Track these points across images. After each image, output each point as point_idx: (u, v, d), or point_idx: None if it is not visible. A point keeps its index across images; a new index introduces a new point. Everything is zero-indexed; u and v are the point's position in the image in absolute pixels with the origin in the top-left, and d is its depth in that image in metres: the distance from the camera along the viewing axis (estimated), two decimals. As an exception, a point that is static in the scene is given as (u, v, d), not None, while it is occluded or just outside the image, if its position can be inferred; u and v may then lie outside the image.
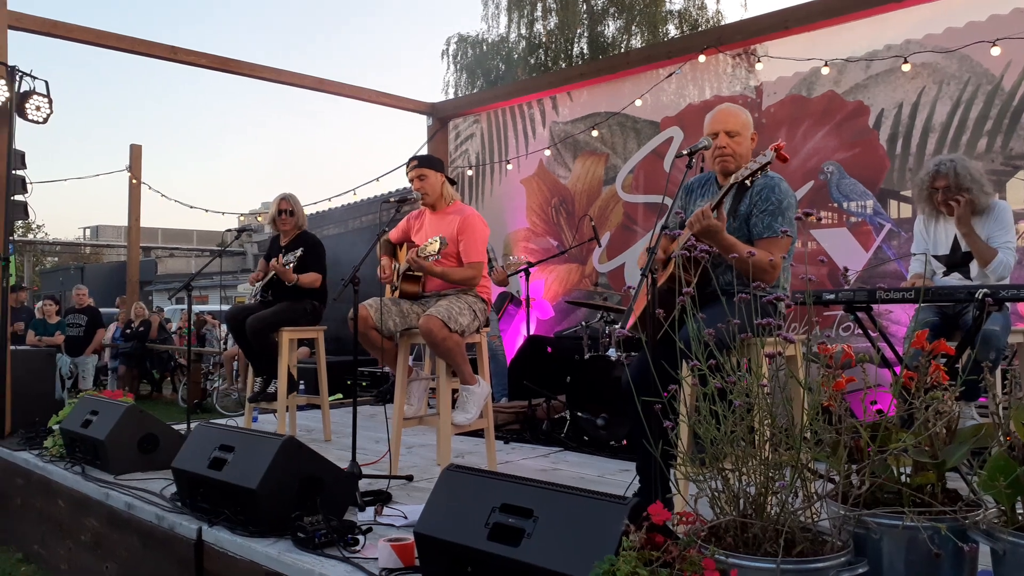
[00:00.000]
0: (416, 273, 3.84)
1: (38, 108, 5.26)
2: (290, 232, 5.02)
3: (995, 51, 4.61)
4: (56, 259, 36.88)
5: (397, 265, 4.05)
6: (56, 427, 4.18)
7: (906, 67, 4.97)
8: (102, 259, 34.71)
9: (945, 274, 3.76)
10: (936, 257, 3.79)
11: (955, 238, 3.74)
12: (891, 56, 5.06)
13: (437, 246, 3.60)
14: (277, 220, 5.03)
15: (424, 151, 7.84)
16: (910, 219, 4.94)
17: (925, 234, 3.88)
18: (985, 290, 2.81)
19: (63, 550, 3.79)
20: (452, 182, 4.02)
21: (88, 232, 40.00)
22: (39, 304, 10.40)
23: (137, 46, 6.09)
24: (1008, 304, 3.36)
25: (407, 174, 3.97)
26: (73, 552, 3.71)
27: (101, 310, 10.41)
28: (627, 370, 2.70)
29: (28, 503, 4.18)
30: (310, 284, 4.80)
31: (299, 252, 4.65)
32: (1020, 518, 1.73)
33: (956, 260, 3.74)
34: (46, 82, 5.34)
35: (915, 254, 3.94)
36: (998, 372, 3.35)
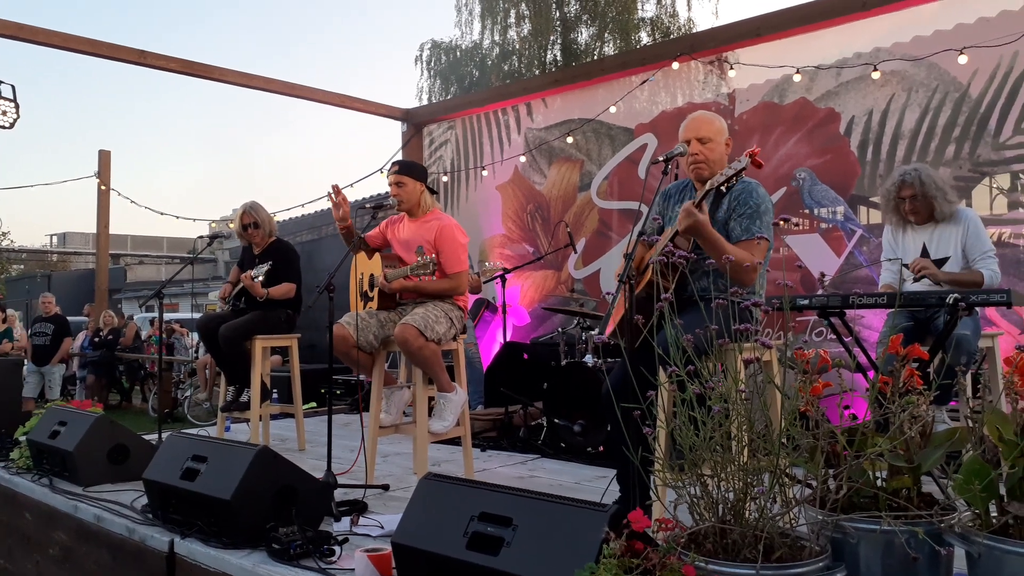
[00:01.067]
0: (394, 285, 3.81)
1: (4, 113, 5.18)
2: (261, 243, 4.91)
3: (962, 59, 4.69)
4: (22, 267, 36.17)
5: (375, 276, 4.01)
6: (23, 438, 4.09)
7: (876, 75, 5.04)
8: (69, 267, 34.11)
9: (915, 281, 3.80)
10: (905, 265, 3.83)
11: (923, 246, 3.79)
12: (861, 64, 5.14)
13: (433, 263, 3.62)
14: (244, 235, 4.91)
15: (399, 157, 7.81)
16: (881, 224, 5.01)
17: (893, 243, 3.93)
18: (956, 295, 2.85)
19: (30, 564, 3.71)
20: (433, 191, 3.99)
21: (55, 239, 39.36)
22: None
23: (106, 50, 5.99)
24: (978, 308, 3.41)
25: (387, 178, 3.96)
26: (41, 566, 3.62)
27: (69, 318, 10.21)
28: (607, 377, 2.70)
29: (-7, 517, 4.08)
30: (283, 295, 4.71)
31: (267, 266, 4.55)
32: (994, 521, 1.74)
33: (925, 267, 3.78)
34: (12, 86, 5.27)
35: (884, 261, 3.99)
36: (968, 376, 3.40)
